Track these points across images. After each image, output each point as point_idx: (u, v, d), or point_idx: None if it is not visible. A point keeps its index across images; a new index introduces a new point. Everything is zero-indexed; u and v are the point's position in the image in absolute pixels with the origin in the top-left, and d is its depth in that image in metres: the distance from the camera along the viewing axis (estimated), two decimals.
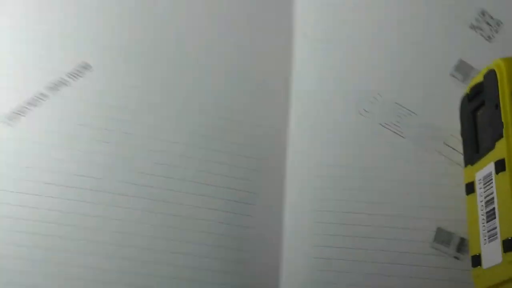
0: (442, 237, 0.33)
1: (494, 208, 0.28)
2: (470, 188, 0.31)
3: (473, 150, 0.31)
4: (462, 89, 0.35)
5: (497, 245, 0.27)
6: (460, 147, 0.35)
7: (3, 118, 0.33)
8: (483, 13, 0.39)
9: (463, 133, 0.33)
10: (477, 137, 0.31)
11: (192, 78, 0.36)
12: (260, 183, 0.34)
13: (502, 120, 0.29)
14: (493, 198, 0.28)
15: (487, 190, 0.29)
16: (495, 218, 0.28)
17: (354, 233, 0.33)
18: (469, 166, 0.31)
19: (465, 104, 0.33)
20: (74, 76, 0.35)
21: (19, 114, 0.33)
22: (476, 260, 0.29)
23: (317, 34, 0.37)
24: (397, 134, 0.35)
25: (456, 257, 0.33)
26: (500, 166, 0.28)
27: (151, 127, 0.34)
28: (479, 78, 0.32)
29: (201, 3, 0.38)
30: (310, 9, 0.38)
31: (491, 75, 0.30)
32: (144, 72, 0.36)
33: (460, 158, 0.34)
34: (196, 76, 0.36)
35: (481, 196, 0.29)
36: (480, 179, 0.30)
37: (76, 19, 0.36)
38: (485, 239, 0.29)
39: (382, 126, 0.35)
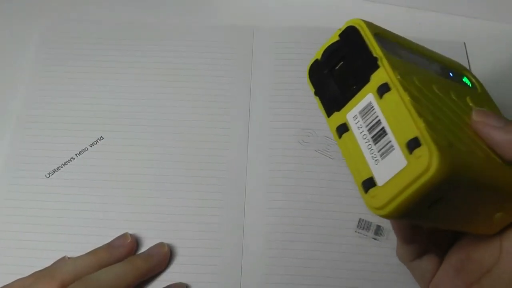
0: (363, 224, 0.47)
1: (382, 128, 0.30)
2: (342, 129, 0.32)
3: (336, 100, 0.33)
4: None
5: (396, 154, 0.29)
6: None
7: (45, 173, 0.49)
8: None
9: (318, 92, 0.34)
10: (338, 89, 0.33)
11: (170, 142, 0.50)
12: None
13: (375, 55, 0.31)
14: (378, 121, 0.30)
15: (368, 119, 0.31)
16: (386, 134, 0.29)
17: (296, 222, 0.46)
18: (335, 114, 0.32)
19: (315, 69, 0.35)
20: (93, 145, 0.50)
21: (55, 171, 0.49)
22: (369, 183, 0.29)
23: (269, 93, 0.53)
24: (327, 157, 0.50)
25: (374, 238, 0.46)
26: (383, 89, 0.30)
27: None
28: (332, 40, 0.34)
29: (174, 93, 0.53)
30: (264, 82, 0.54)
31: (349, 30, 0.33)
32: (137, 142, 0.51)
33: None
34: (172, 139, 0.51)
35: (361, 127, 0.31)
36: (355, 116, 0.31)
37: (94, 105, 0.52)
38: (376, 160, 0.30)
39: (316, 151, 0.50)
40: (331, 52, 0.34)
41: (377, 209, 0.29)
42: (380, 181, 0.29)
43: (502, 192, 0.32)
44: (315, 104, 0.51)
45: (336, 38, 0.34)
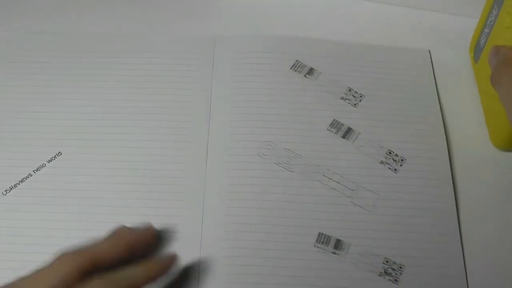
0: (322, 239, 0.46)
1: None
2: None
3: None
4: (337, 140, 0.50)
5: None
6: (334, 177, 0.49)
7: (2, 190, 0.48)
8: (350, 89, 0.54)
9: None
10: None
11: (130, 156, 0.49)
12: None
13: None
14: None
15: None
16: None
17: (255, 237, 0.46)
18: None
19: None
20: (51, 161, 0.49)
21: (13, 188, 0.48)
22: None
23: (229, 105, 0.52)
24: (287, 170, 0.49)
25: (334, 253, 0.45)
26: None
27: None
28: None
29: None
30: (224, 93, 0.53)
31: None
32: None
33: (333, 184, 0.48)
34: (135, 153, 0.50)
35: None
36: None
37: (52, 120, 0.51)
38: None
39: (276, 164, 0.49)
40: None
41: None
42: None
43: None
44: (276, 115, 0.51)
45: None
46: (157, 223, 0.46)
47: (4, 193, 0.48)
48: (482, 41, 0.53)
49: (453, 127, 0.53)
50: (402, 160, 0.50)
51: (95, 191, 0.48)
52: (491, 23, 0.51)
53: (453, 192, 0.49)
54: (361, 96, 0.53)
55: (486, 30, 0.52)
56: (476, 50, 0.55)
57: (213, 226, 0.46)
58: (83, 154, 0.50)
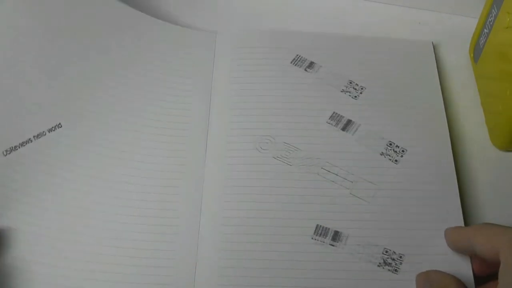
0: (320, 231, 0.46)
1: None
2: None
3: None
4: (336, 132, 0.50)
5: None
6: (333, 169, 0.49)
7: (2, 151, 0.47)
8: (350, 82, 0.54)
9: None
10: None
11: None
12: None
13: None
14: None
15: None
16: None
17: (253, 230, 0.46)
18: None
19: None
20: (52, 130, 0.49)
21: (12, 150, 0.47)
22: None
23: (228, 99, 0.53)
24: (286, 163, 0.49)
25: (332, 245, 0.46)
26: None
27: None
28: None
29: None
30: (224, 88, 0.53)
31: None
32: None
33: (332, 177, 0.48)
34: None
35: None
36: None
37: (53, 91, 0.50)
38: None
39: (275, 158, 0.49)
40: None
41: None
42: None
43: None
44: (275, 110, 0.51)
45: None
46: (154, 212, 0.47)
47: (4, 153, 0.47)
48: (482, 41, 0.53)
49: (453, 127, 0.52)
50: (403, 151, 0.50)
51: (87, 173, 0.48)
52: (491, 23, 0.51)
53: (456, 180, 0.48)
54: (362, 88, 0.53)
55: (486, 30, 0.52)
56: (476, 50, 0.55)
57: (211, 222, 0.47)
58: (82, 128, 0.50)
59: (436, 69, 0.54)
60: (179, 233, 0.46)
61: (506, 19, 0.48)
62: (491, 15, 0.51)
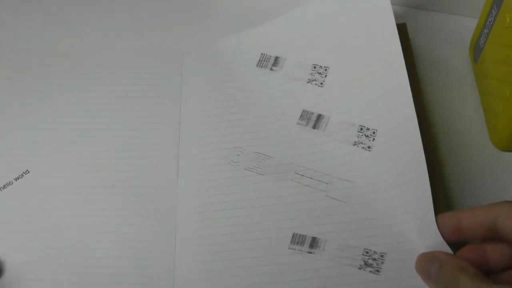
0: (296, 239, 0.46)
1: None
2: None
3: None
4: (307, 132, 0.49)
5: None
6: (307, 172, 0.48)
7: None
8: (314, 66, 0.53)
9: None
10: None
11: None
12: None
13: None
14: None
15: None
16: None
17: (230, 247, 0.45)
18: None
19: None
20: (18, 179, 0.50)
21: None
22: None
23: (197, 124, 0.52)
24: (259, 174, 0.48)
25: (309, 252, 0.44)
26: None
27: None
28: None
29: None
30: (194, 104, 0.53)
31: None
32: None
33: (307, 180, 0.47)
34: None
35: None
36: None
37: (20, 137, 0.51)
38: None
39: (247, 170, 0.49)
40: None
41: None
42: None
43: None
44: (244, 120, 0.51)
45: None
46: (128, 233, 0.47)
47: None
48: (482, 41, 0.52)
49: (453, 127, 0.52)
50: (373, 133, 0.48)
51: (61, 215, 0.48)
52: (491, 23, 0.50)
53: (424, 163, 0.45)
54: (325, 70, 0.52)
55: (486, 30, 0.52)
56: (476, 50, 0.54)
57: (186, 242, 0.46)
58: (51, 173, 0.50)
59: (397, 30, 0.51)
60: (154, 257, 0.46)
61: (506, 19, 0.47)
62: (491, 15, 0.51)
